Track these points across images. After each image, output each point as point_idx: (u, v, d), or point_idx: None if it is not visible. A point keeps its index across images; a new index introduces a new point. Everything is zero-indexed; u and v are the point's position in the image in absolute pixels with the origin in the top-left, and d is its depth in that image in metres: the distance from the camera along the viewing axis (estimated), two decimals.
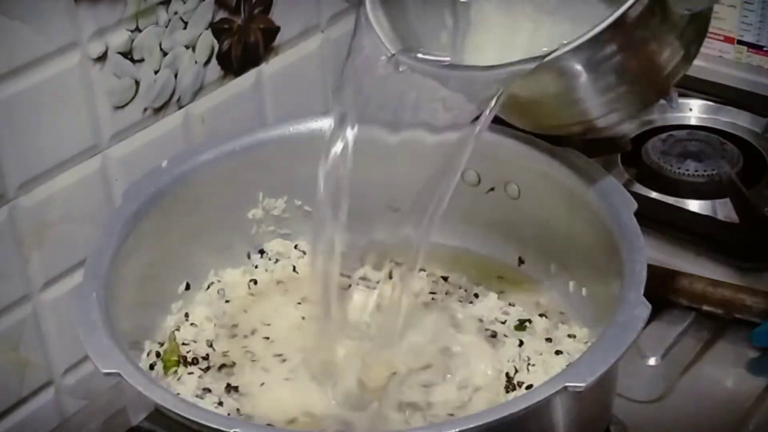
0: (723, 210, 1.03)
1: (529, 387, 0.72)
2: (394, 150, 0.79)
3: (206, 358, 0.77)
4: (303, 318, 0.81)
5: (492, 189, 0.85)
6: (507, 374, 0.74)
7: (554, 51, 0.67)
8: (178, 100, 0.87)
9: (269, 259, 0.86)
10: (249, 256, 0.86)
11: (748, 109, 1.16)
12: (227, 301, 0.83)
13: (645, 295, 0.68)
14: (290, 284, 0.84)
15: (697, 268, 0.94)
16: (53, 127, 0.79)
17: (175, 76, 0.86)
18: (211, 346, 0.78)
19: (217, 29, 0.88)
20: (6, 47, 0.74)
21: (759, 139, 1.13)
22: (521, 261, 0.86)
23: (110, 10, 0.80)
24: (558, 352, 0.76)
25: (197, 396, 0.73)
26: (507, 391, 0.73)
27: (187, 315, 0.81)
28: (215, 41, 0.88)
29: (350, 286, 0.82)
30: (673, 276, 0.90)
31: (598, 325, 0.75)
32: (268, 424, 0.70)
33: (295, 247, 0.87)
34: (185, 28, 0.86)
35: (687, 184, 1.06)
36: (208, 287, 0.83)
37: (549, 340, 0.78)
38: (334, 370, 0.75)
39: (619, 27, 0.67)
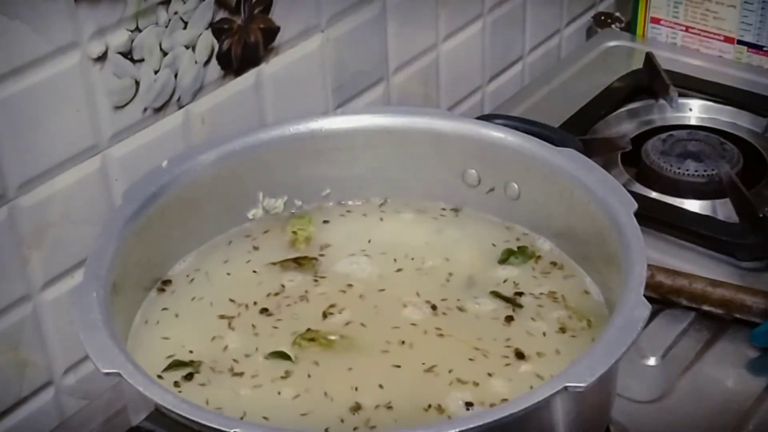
0: (723, 210, 1.03)
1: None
2: None
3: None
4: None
5: (492, 189, 0.85)
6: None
7: None
8: (178, 100, 0.87)
9: None
10: None
11: (748, 109, 1.16)
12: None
13: (645, 295, 0.68)
14: None
15: (697, 268, 0.94)
16: (53, 127, 0.79)
17: (175, 76, 0.86)
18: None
19: (217, 29, 0.88)
20: (6, 47, 0.74)
21: (759, 139, 1.13)
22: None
23: (110, 10, 0.80)
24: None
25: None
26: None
27: None
28: (215, 41, 0.88)
29: None
30: (673, 276, 0.90)
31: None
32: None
33: None
34: (185, 28, 0.86)
35: (687, 184, 1.06)
36: None
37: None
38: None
39: None
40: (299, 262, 0.83)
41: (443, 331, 0.77)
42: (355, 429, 0.70)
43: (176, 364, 0.73)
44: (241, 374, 0.73)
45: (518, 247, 0.83)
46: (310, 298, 0.80)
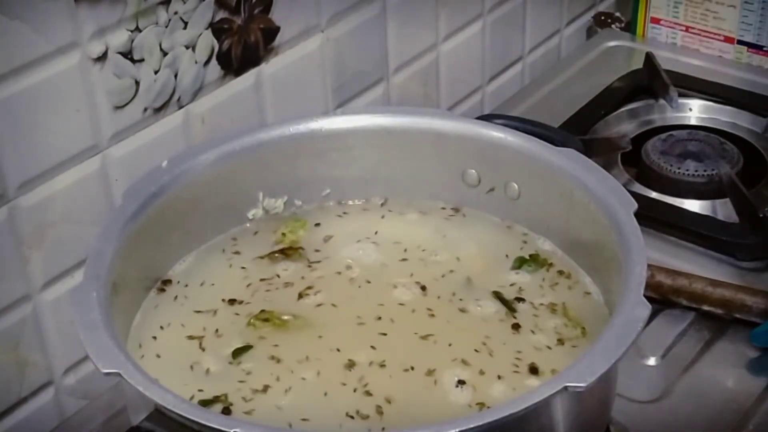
0: (723, 210, 1.03)
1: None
2: None
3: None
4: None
5: (492, 189, 0.85)
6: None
7: None
8: (178, 100, 0.87)
9: None
10: None
11: (748, 109, 1.16)
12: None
13: (645, 295, 0.68)
14: None
15: (697, 268, 0.94)
16: (53, 127, 0.79)
17: (175, 76, 0.86)
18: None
19: (217, 29, 0.88)
20: (6, 47, 0.74)
21: (759, 139, 1.13)
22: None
23: (110, 10, 0.80)
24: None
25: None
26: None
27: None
28: (215, 41, 0.88)
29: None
30: (673, 276, 0.90)
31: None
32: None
33: None
34: (185, 28, 0.86)
35: (687, 184, 1.06)
36: None
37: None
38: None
39: None
40: (286, 253, 0.83)
41: (434, 312, 0.78)
42: (354, 390, 0.71)
43: (204, 404, 0.71)
44: (268, 387, 0.73)
45: (530, 255, 0.83)
46: (297, 283, 0.81)
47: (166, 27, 0.84)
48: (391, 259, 0.83)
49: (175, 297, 0.80)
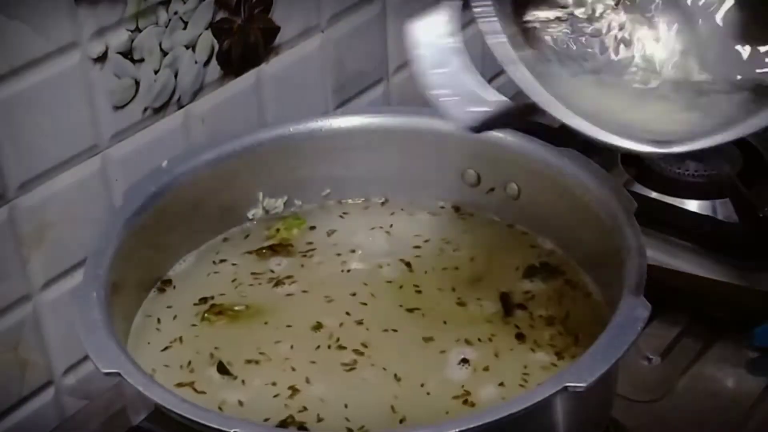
0: (723, 210, 1.02)
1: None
2: None
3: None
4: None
5: (492, 189, 0.85)
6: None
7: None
8: (178, 100, 0.87)
9: None
10: None
11: None
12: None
13: (645, 295, 0.68)
14: None
15: (697, 268, 0.94)
16: (53, 127, 0.79)
17: (175, 76, 0.86)
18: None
19: (217, 29, 0.88)
20: (6, 47, 0.74)
21: (759, 139, 1.13)
22: None
23: (110, 10, 0.80)
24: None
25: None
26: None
27: None
28: (215, 41, 0.88)
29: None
30: (673, 276, 0.90)
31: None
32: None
33: None
34: (185, 28, 0.86)
35: (687, 184, 1.05)
36: None
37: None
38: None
39: None
40: (275, 249, 0.83)
41: (421, 288, 0.79)
42: (329, 347, 0.74)
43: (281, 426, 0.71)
44: (295, 390, 0.72)
45: (540, 263, 0.82)
46: (283, 275, 0.81)
47: (166, 27, 0.84)
48: (399, 248, 0.84)
49: (158, 319, 0.78)
